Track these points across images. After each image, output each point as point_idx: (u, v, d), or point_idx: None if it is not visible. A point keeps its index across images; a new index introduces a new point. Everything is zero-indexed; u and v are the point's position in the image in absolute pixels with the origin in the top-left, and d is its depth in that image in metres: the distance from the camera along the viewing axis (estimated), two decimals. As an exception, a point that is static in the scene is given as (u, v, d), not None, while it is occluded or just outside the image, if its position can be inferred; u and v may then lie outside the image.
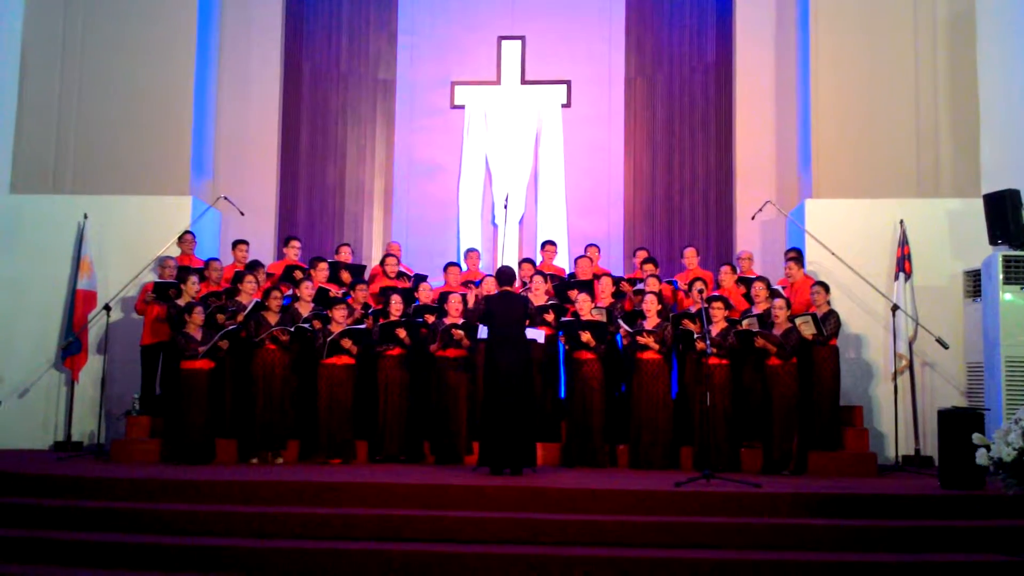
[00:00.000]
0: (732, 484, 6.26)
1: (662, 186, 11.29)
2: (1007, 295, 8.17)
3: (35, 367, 9.34)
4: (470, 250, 9.87)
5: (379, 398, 7.98)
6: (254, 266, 8.73)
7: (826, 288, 8.06)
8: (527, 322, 7.39)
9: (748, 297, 8.40)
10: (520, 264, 9.19)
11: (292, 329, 7.86)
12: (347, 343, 7.77)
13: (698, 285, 7.93)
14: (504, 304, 7.17)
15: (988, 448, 5.27)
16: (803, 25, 9.89)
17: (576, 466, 7.76)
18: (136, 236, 9.41)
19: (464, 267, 9.42)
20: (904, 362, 8.64)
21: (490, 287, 8.18)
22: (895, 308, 8.48)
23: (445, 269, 9.06)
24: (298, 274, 8.65)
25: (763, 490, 5.98)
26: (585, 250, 9.35)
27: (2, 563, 5.14)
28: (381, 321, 8.04)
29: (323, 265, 8.84)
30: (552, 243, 9.74)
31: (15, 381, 9.11)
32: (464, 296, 8.34)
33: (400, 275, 9.09)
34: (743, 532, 5.49)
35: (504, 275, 7.36)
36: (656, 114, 11.42)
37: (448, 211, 11.39)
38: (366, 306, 8.46)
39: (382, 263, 9.27)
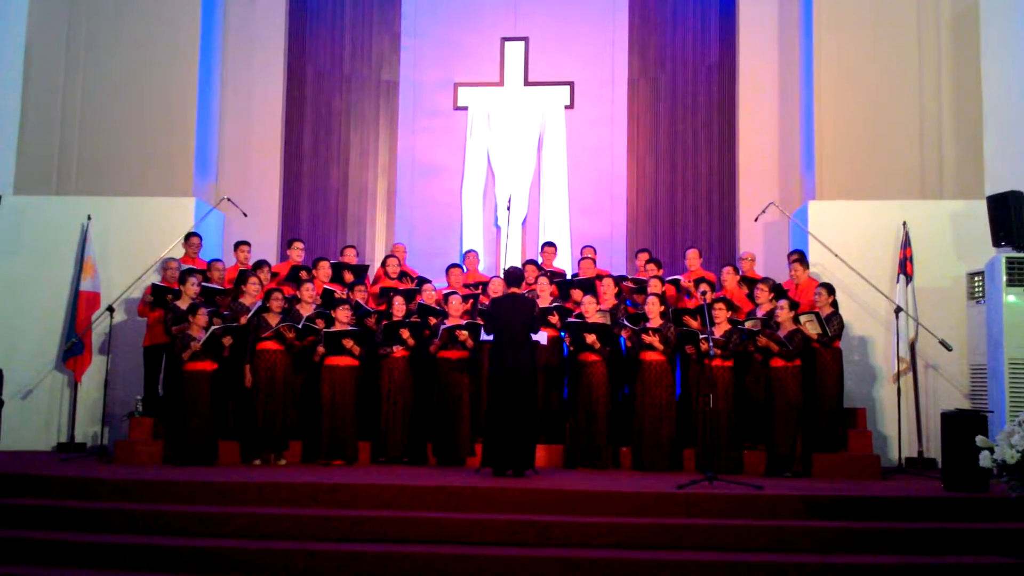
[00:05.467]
0: (735, 486, 6.25)
1: (665, 187, 11.28)
2: (1010, 297, 8.15)
3: (38, 368, 9.35)
4: (468, 251, 9.87)
5: (382, 399, 7.98)
6: (259, 266, 8.71)
7: (829, 289, 8.04)
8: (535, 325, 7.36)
9: (751, 298, 8.38)
10: (524, 265, 9.18)
11: (300, 326, 7.85)
12: (348, 343, 7.77)
13: (703, 286, 7.92)
14: (510, 306, 7.16)
15: (992, 450, 5.27)
16: (806, 26, 9.88)
17: (579, 468, 7.76)
18: (139, 237, 9.41)
19: (464, 269, 9.41)
20: (907, 364, 8.63)
21: (497, 288, 8.18)
22: (898, 310, 8.45)
23: (447, 271, 9.06)
24: (304, 275, 8.64)
25: (766, 492, 5.98)
26: (581, 251, 9.35)
27: (4, 563, 5.14)
28: (384, 323, 8.04)
29: (324, 264, 8.83)
30: (551, 244, 9.72)
31: (18, 382, 9.11)
32: (470, 297, 8.34)
33: (402, 276, 9.08)
34: (746, 534, 5.49)
35: (511, 276, 7.35)
36: (659, 115, 11.41)
37: (451, 212, 11.38)
38: (368, 310, 8.42)
39: (384, 264, 9.27)
